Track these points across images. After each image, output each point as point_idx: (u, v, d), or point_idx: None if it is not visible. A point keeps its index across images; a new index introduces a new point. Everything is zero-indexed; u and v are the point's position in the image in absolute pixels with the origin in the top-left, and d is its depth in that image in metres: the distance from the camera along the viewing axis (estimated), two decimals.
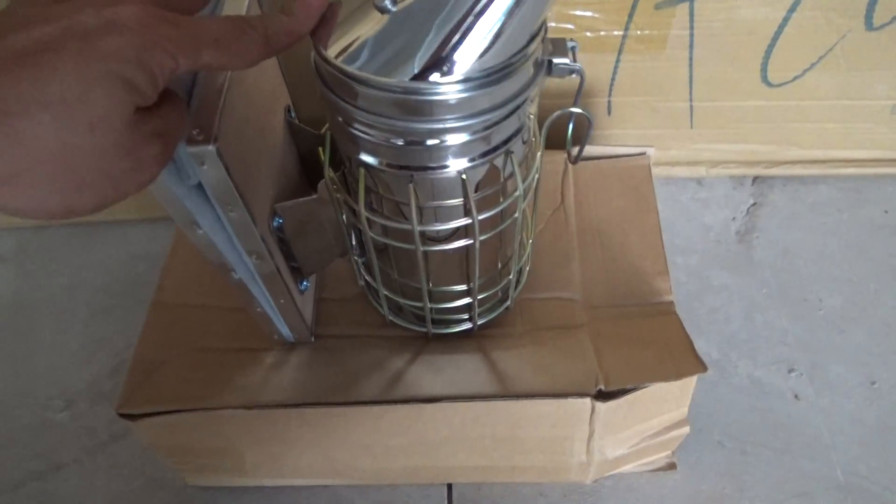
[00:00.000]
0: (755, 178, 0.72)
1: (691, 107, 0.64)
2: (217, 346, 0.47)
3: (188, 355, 0.47)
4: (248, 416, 0.44)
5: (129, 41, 0.22)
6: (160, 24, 0.23)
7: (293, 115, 0.46)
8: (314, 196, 0.41)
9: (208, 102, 0.33)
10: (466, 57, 0.30)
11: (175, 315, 0.49)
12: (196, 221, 0.36)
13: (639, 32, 0.58)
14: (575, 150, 0.42)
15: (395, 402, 0.43)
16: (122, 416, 0.43)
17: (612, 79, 0.62)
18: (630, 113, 0.65)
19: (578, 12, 0.56)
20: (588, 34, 0.58)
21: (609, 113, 0.65)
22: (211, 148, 0.31)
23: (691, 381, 0.44)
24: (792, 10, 0.55)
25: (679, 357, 0.44)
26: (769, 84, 0.62)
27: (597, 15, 0.56)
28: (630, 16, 0.56)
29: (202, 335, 0.48)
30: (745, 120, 0.65)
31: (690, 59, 0.60)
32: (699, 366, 0.43)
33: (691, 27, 0.57)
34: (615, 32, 0.58)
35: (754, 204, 0.70)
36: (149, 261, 0.70)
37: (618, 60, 0.60)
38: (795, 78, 0.61)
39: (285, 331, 0.46)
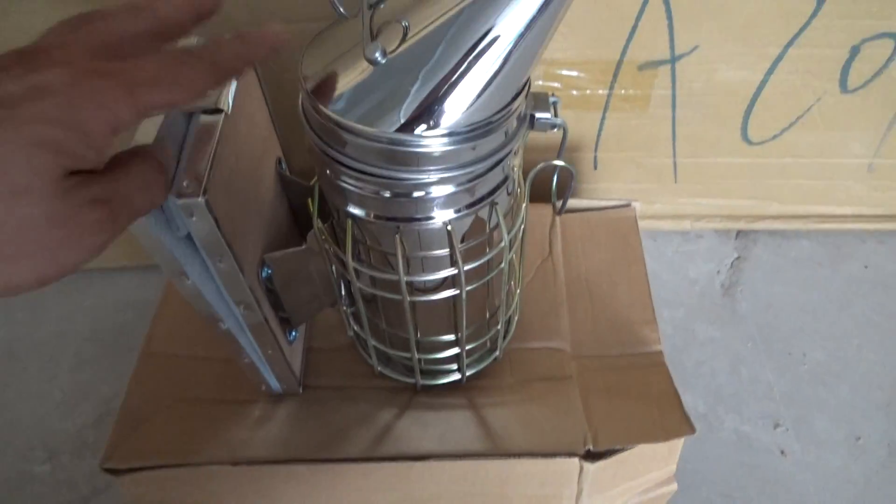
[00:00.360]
0: (738, 232, 0.73)
1: (675, 163, 0.66)
2: (205, 397, 0.47)
3: (175, 407, 0.46)
4: (235, 472, 0.43)
5: (54, 103, 0.21)
6: (89, 78, 0.22)
7: (284, 167, 0.47)
8: (303, 247, 0.42)
9: (199, 154, 0.33)
10: (452, 111, 0.31)
11: (163, 365, 0.49)
12: (184, 272, 0.36)
13: (623, 91, 0.60)
14: (559, 203, 0.43)
15: (383, 459, 0.43)
16: (107, 470, 0.43)
17: (598, 135, 0.63)
18: (616, 168, 0.66)
19: (565, 72, 0.58)
20: (574, 92, 0.60)
21: (595, 167, 0.67)
22: (200, 200, 0.32)
23: (680, 441, 0.44)
24: (770, 72, 0.57)
25: (668, 415, 0.44)
26: (750, 142, 0.64)
27: (583, 75, 0.58)
28: (615, 76, 0.58)
29: (190, 386, 0.47)
30: (727, 176, 0.67)
31: (673, 117, 0.62)
32: (688, 427, 0.43)
33: (673, 87, 0.59)
34: (600, 91, 0.60)
35: (738, 258, 0.71)
36: (137, 309, 0.70)
37: (603, 118, 0.62)
38: (775, 136, 0.63)
39: (273, 382, 0.46)
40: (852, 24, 0.53)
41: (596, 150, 0.65)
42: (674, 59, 0.57)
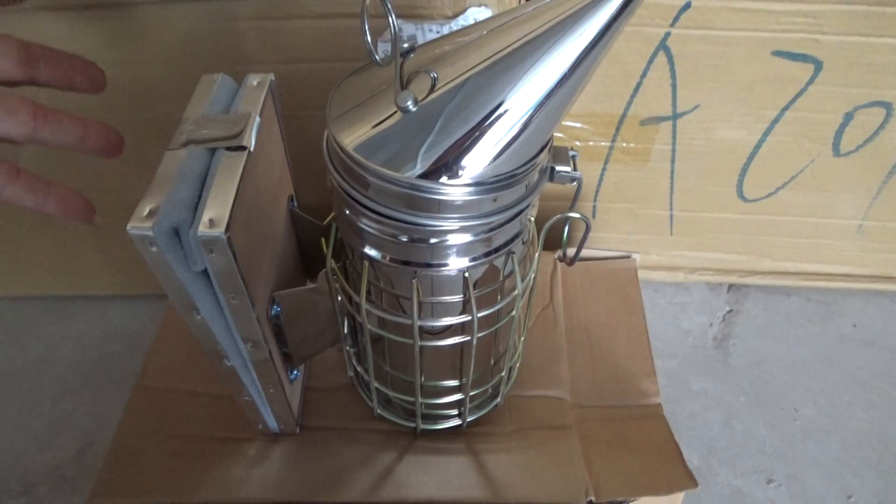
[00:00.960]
0: (730, 286, 0.74)
1: (671, 215, 0.67)
2: (199, 434, 0.46)
3: (168, 443, 0.45)
4: None
5: None
6: None
7: (295, 204, 0.47)
8: (313, 286, 0.42)
9: (222, 190, 0.33)
10: (476, 163, 0.32)
11: (158, 400, 0.48)
12: (196, 307, 0.36)
13: (624, 145, 0.61)
14: (571, 251, 0.43)
15: None
16: None
17: (598, 185, 0.65)
18: (614, 218, 0.67)
19: (569, 123, 0.60)
20: (577, 143, 0.61)
21: (594, 216, 0.68)
22: (223, 236, 0.32)
23: (681, 494, 0.44)
24: (767, 133, 0.59)
25: (669, 468, 0.44)
26: (745, 199, 0.65)
27: (586, 127, 0.60)
28: (617, 129, 0.60)
29: (184, 422, 0.47)
30: (722, 231, 0.68)
31: (672, 171, 0.63)
32: (690, 481, 0.43)
33: (673, 143, 0.61)
34: (603, 143, 0.61)
35: (730, 311, 0.72)
36: (125, 339, 0.68)
37: (604, 169, 0.63)
38: (769, 195, 0.65)
39: (271, 421, 0.45)
40: (847, 92, 0.55)
41: (595, 199, 0.66)
42: (675, 117, 0.59)
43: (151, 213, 0.31)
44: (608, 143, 0.61)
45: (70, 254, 0.68)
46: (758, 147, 0.60)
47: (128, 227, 0.30)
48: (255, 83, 0.40)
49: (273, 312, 0.40)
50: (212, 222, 0.32)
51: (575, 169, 0.37)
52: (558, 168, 0.36)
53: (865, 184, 0.63)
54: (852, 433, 0.61)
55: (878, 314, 0.71)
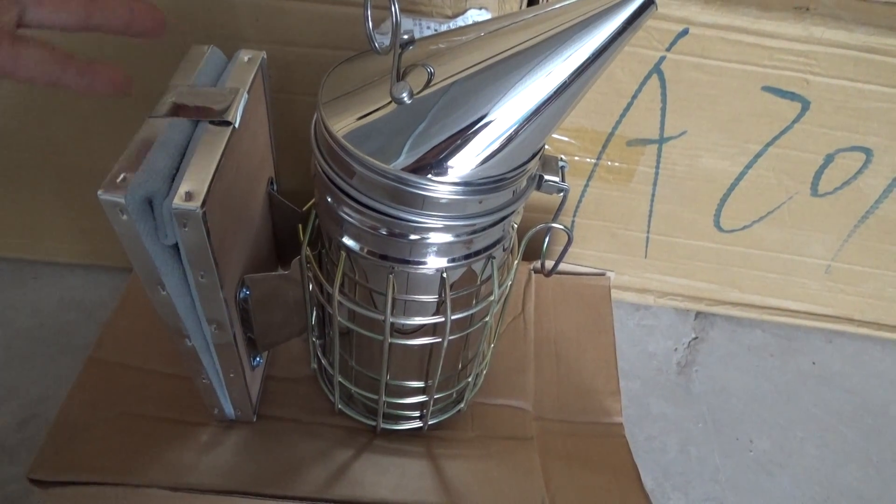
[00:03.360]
0: (697, 314, 0.75)
1: (648, 238, 0.68)
2: (150, 413, 0.44)
3: (117, 420, 0.44)
4: (174, 499, 0.41)
5: None
6: None
7: (275, 187, 0.46)
8: (285, 272, 0.41)
9: (202, 164, 0.32)
10: (466, 163, 0.31)
11: (110, 374, 0.46)
12: (162, 282, 0.34)
13: (609, 163, 0.61)
14: (549, 263, 0.43)
15: (335, 502, 0.41)
16: (33, 481, 0.40)
17: (579, 201, 0.65)
18: (591, 235, 0.68)
19: (557, 136, 0.60)
20: (563, 157, 0.61)
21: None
22: (198, 211, 0.31)
23: None
24: (749, 166, 0.60)
25: (626, 489, 0.44)
26: (721, 229, 0.66)
27: (573, 142, 0.60)
28: (604, 147, 0.60)
29: (136, 400, 0.45)
30: (695, 258, 0.69)
31: (653, 195, 0.63)
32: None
33: (657, 166, 0.61)
34: (588, 160, 0.61)
35: (695, 338, 0.73)
36: (82, 310, 0.66)
37: (586, 185, 0.63)
38: (745, 227, 0.66)
39: (228, 407, 0.44)
40: (830, 134, 0.56)
41: (575, 214, 0.66)
42: (662, 140, 0.59)
43: (125, 181, 0.30)
44: (593, 160, 0.61)
45: (35, 217, 0.66)
46: (739, 179, 0.61)
47: (98, 193, 0.29)
48: (245, 59, 0.39)
49: (242, 296, 0.39)
50: (188, 195, 0.31)
51: (563, 180, 0.36)
52: (547, 177, 0.36)
53: (838, 226, 0.64)
54: (803, 469, 0.62)
55: (838, 354, 0.73)
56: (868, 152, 0.57)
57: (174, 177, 0.32)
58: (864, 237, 0.65)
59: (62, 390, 0.49)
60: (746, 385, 0.69)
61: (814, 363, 0.72)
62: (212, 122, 0.34)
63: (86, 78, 0.31)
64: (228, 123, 0.34)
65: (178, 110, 0.34)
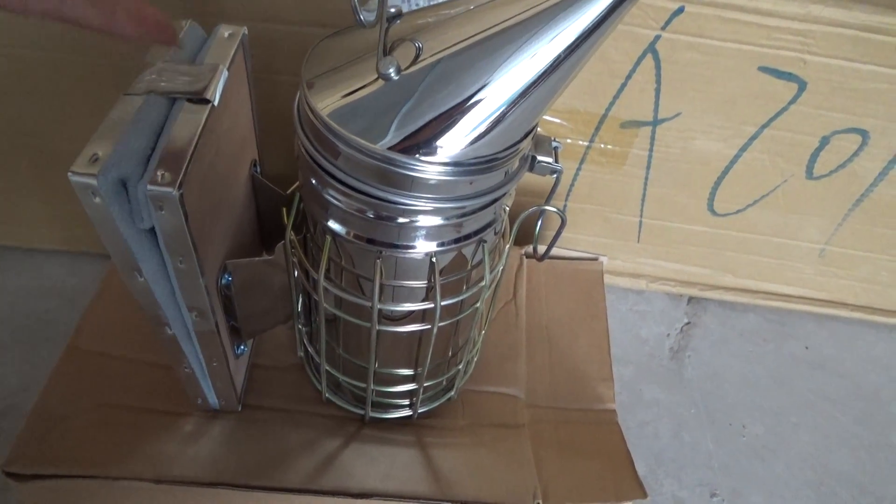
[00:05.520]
0: (690, 299, 0.74)
1: (641, 222, 0.67)
2: (131, 404, 0.43)
3: (97, 411, 0.42)
4: (156, 491, 0.40)
5: None
6: None
7: (258, 170, 0.45)
8: (269, 257, 0.39)
9: (178, 144, 0.31)
10: (456, 142, 0.30)
11: (90, 364, 0.45)
12: (139, 268, 0.33)
13: (602, 146, 0.60)
14: (541, 248, 0.42)
15: (323, 492, 0.40)
16: (8, 474, 0.38)
17: (571, 185, 0.64)
18: (583, 219, 0.67)
19: (548, 118, 0.58)
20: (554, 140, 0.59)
21: None
22: (174, 193, 0.29)
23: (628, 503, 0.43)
24: (743, 149, 0.59)
25: (620, 477, 0.43)
26: (714, 213, 0.65)
27: (565, 123, 0.58)
28: (596, 130, 0.59)
29: (117, 390, 0.44)
30: (688, 242, 0.68)
31: (646, 178, 0.62)
32: (639, 490, 0.43)
33: (651, 149, 0.60)
34: (580, 142, 0.60)
35: (688, 323, 0.72)
36: (63, 297, 0.64)
37: (579, 168, 0.62)
38: (738, 211, 0.65)
39: (212, 397, 0.43)
40: (826, 116, 0.55)
41: (567, 199, 0.65)
42: (656, 122, 0.58)
43: (97, 161, 0.28)
44: (586, 143, 0.60)
45: (13, 202, 0.64)
46: (733, 161, 0.60)
47: (69, 174, 0.28)
48: (226, 35, 0.37)
49: (223, 282, 0.38)
50: (164, 177, 0.29)
51: (557, 161, 0.35)
52: (540, 158, 0.35)
53: (833, 209, 0.63)
54: (796, 454, 0.62)
55: (831, 339, 0.72)
56: (864, 134, 0.56)
57: (150, 157, 0.31)
58: (859, 220, 0.64)
59: (42, 380, 0.48)
60: (739, 370, 0.68)
61: (807, 348, 0.71)
62: (189, 101, 0.33)
63: (133, 21, 0.28)
64: (207, 101, 0.33)
65: (154, 87, 0.33)
